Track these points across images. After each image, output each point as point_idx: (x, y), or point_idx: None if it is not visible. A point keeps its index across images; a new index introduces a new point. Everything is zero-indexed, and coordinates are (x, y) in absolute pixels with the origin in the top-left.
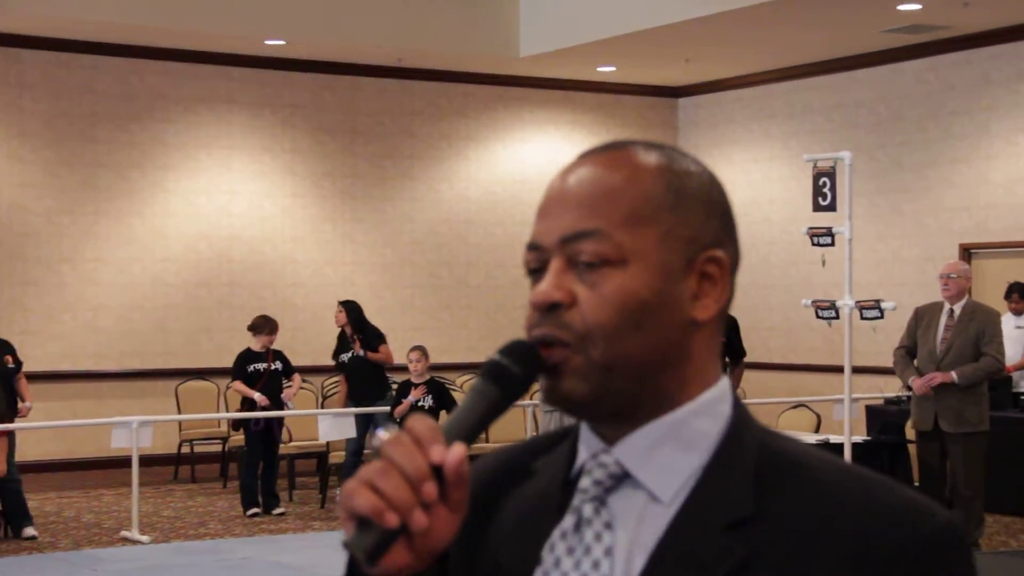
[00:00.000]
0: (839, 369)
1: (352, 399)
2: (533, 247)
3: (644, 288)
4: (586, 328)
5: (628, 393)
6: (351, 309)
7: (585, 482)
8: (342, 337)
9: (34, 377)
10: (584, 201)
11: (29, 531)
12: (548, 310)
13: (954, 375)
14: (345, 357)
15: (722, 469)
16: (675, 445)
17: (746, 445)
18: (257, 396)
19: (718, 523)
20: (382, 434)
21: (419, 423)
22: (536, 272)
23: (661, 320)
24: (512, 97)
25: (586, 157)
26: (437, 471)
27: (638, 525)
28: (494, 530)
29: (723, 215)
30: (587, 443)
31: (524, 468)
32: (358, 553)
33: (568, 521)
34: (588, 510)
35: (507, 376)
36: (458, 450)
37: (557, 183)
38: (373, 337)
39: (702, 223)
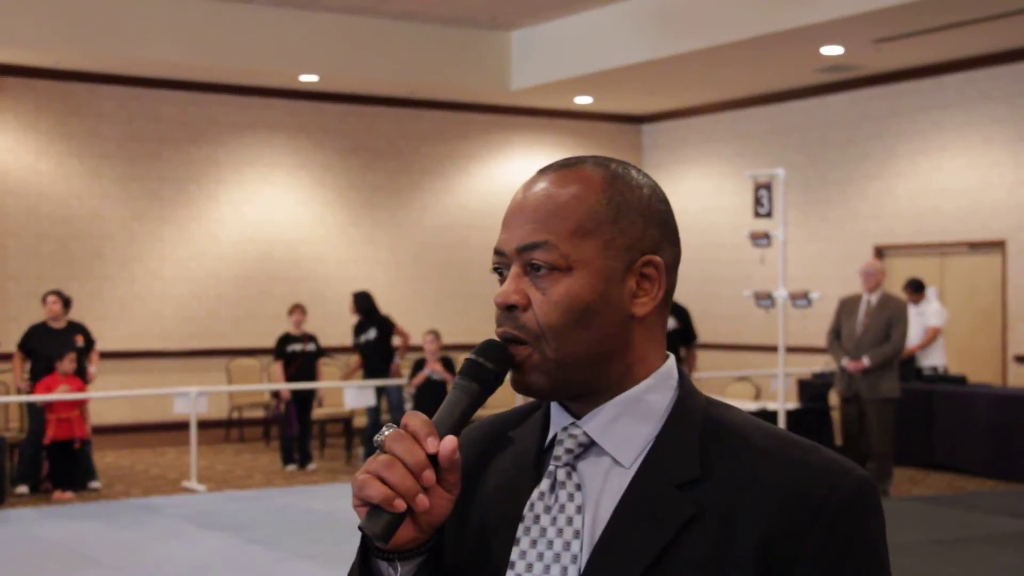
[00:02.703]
0: (776, 348)
1: (367, 373)
2: (498, 252)
3: (587, 291)
4: (539, 328)
5: (581, 382)
6: (356, 299)
7: (558, 450)
8: (359, 325)
9: (110, 355)
10: (538, 215)
11: (94, 484)
12: (507, 310)
13: (866, 361)
14: (360, 339)
15: (672, 436)
16: (632, 417)
17: (692, 415)
18: (283, 393)
19: (671, 483)
20: (385, 432)
21: (414, 419)
22: (499, 272)
23: (604, 318)
24: (505, 123)
25: (544, 173)
26: (433, 459)
27: (604, 485)
28: (480, 492)
29: (662, 223)
30: (557, 416)
31: (503, 437)
32: (373, 533)
33: (545, 483)
34: (561, 474)
35: (484, 373)
36: (450, 441)
37: (519, 196)
38: (385, 322)
39: (641, 232)
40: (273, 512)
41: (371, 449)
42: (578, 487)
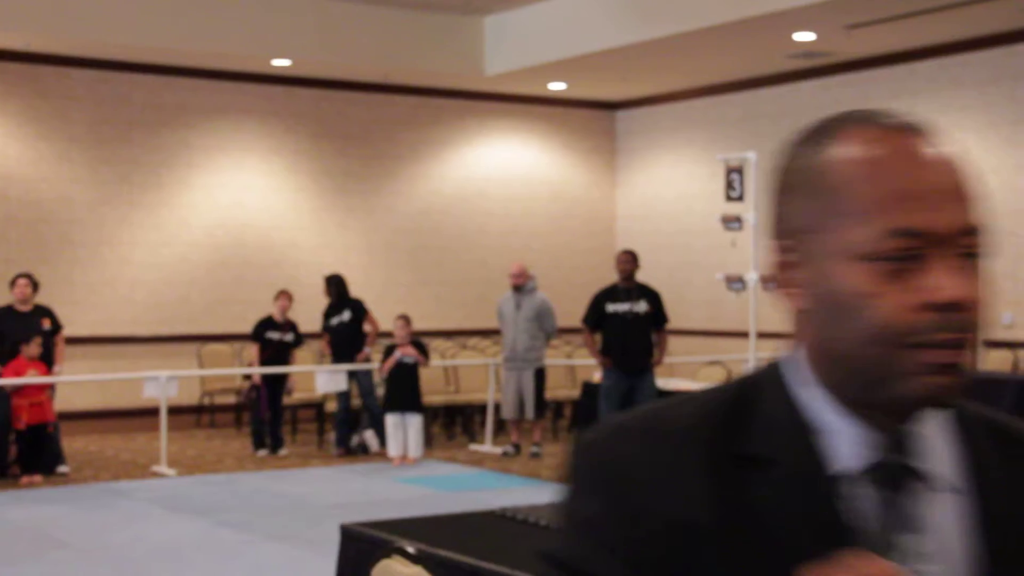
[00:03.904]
0: (749, 334)
1: (335, 357)
2: (913, 234)
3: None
4: (976, 327)
5: None
6: (330, 281)
7: (884, 473)
8: (330, 307)
9: (80, 340)
10: (964, 194)
11: (62, 469)
12: (949, 309)
13: None
14: (331, 322)
15: (973, 443)
16: (939, 428)
17: (971, 414)
18: (255, 377)
19: (1015, 504)
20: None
21: (877, 567)
22: (898, 260)
23: None
24: (479, 109)
25: (919, 134)
26: None
27: (946, 509)
28: (764, 546)
29: None
30: (847, 432)
31: (740, 460)
32: None
33: (880, 514)
34: (899, 500)
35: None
36: None
37: (916, 163)
38: (359, 305)
39: None
40: (243, 496)
41: (342, 434)
42: (926, 513)
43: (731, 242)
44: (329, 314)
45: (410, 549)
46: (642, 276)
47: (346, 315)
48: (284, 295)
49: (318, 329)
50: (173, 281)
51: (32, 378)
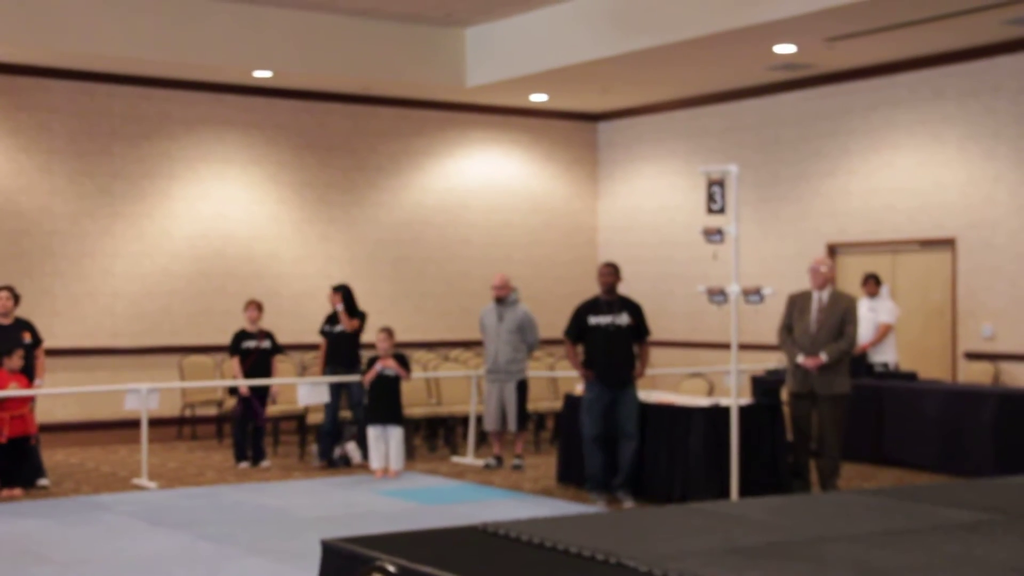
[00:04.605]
0: (730, 345)
1: (329, 364)
2: None
3: None
4: None
5: None
6: (340, 290)
7: None
8: (332, 315)
9: (60, 352)
10: None
11: (43, 482)
12: None
13: (823, 357)
14: (334, 329)
15: None
16: None
17: None
18: (241, 388)
19: None
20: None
21: None
22: None
23: None
24: (460, 120)
25: None
26: None
27: None
28: None
29: None
30: None
31: None
32: None
33: None
34: None
35: None
36: None
37: None
38: (363, 316)
39: None
40: (224, 509)
41: (326, 446)
42: None
43: (712, 254)
44: (332, 321)
45: (391, 567)
46: (624, 287)
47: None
48: (253, 305)
49: (301, 340)
50: (154, 292)
51: (13, 391)
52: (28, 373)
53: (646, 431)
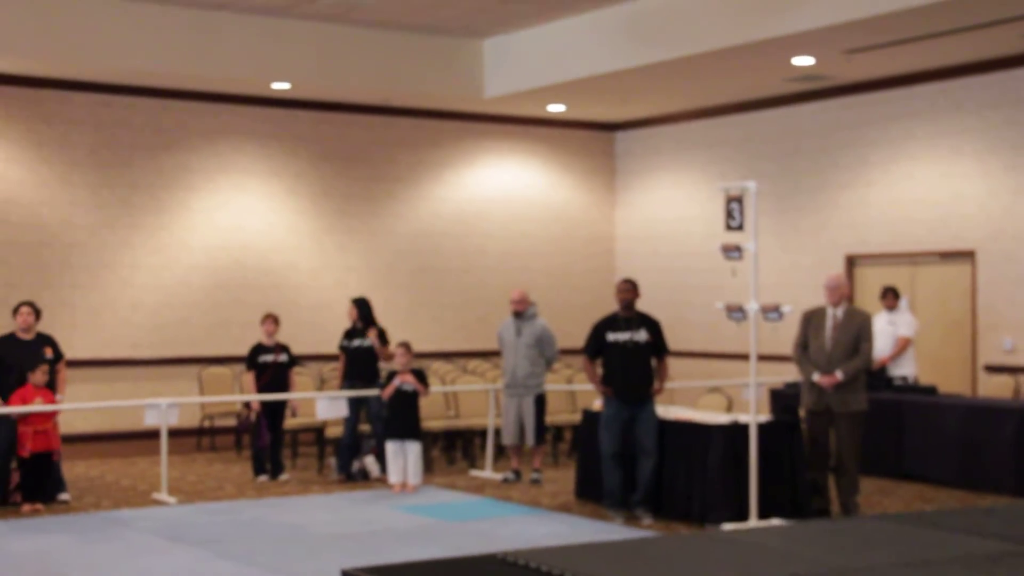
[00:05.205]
0: (748, 357)
1: (347, 379)
2: None
3: None
4: None
5: None
6: (359, 304)
7: None
8: (352, 328)
9: (81, 363)
10: None
11: (64, 496)
12: None
13: (839, 375)
14: (352, 343)
15: None
16: None
17: None
18: (253, 405)
19: None
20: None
21: None
22: None
23: None
24: (478, 131)
25: None
26: None
27: None
28: None
29: None
30: None
31: None
32: None
33: None
34: None
35: None
36: None
37: None
38: (382, 333)
39: None
40: (244, 525)
41: (344, 459)
42: None
43: (731, 271)
44: (351, 335)
45: None
46: (641, 297)
47: (368, 341)
48: (270, 318)
49: (319, 351)
50: (173, 303)
51: (33, 406)
52: (50, 388)
53: (665, 448)
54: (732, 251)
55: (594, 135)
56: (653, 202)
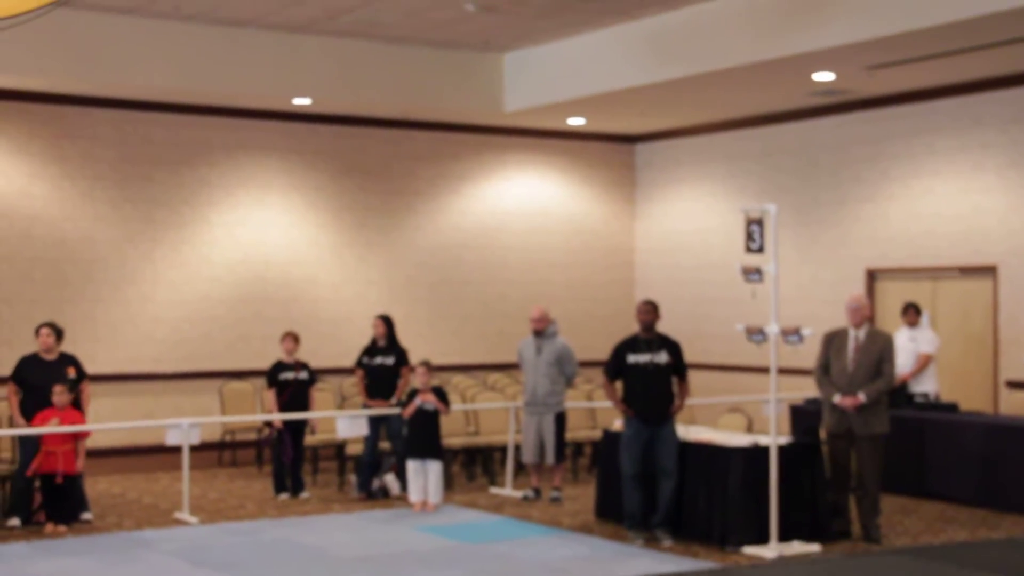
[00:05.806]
0: (768, 370)
1: (368, 396)
2: None
3: None
4: None
5: None
6: (387, 321)
7: None
8: (373, 344)
9: (103, 378)
10: None
11: (86, 515)
12: None
13: (862, 397)
14: (375, 361)
15: None
16: None
17: None
18: (276, 422)
19: None
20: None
21: None
22: None
23: None
24: (498, 144)
25: None
26: None
27: None
28: None
29: None
30: None
31: None
32: None
33: None
34: None
35: None
36: None
37: None
38: (403, 353)
39: None
40: (265, 547)
41: (365, 478)
42: None
43: (751, 293)
44: (373, 353)
45: None
46: (661, 309)
47: (390, 359)
48: (289, 336)
49: (339, 365)
50: (195, 318)
51: (51, 427)
52: (76, 407)
53: (685, 470)
54: (752, 274)
55: (614, 147)
56: (673, 214)
